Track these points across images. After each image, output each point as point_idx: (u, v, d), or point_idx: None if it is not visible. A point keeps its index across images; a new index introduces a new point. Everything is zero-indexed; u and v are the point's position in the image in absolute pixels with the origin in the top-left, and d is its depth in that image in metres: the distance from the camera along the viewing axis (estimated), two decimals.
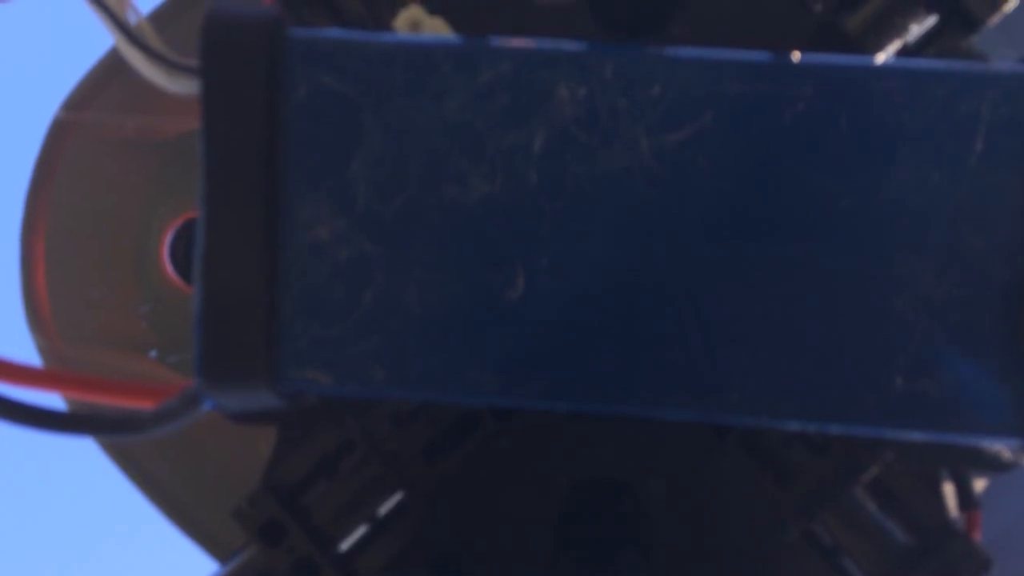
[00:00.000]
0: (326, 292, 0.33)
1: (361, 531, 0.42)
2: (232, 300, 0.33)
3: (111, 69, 0.50)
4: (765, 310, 0.32)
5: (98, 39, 0.48)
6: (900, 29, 0.42)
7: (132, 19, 0.37)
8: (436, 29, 0.40)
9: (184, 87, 0.37)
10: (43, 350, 0.49)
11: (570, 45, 0.34)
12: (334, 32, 0.36)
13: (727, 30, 0.41)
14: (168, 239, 0.53)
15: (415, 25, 0.41)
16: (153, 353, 0.52)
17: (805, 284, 0.32)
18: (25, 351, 0.48)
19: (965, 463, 0.39)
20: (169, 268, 0.53)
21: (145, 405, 0.39)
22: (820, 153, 0.32)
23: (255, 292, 0.33)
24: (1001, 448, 0.34)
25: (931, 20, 0.42)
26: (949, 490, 0.42)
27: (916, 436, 0.33)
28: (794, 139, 0.32)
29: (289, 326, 0.33)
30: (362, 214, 0.34)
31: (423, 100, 0.34)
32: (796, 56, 0.34)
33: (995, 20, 0.41)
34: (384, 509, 0.42)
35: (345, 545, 0.42)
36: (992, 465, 0.38)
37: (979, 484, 0.44)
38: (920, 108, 0.32)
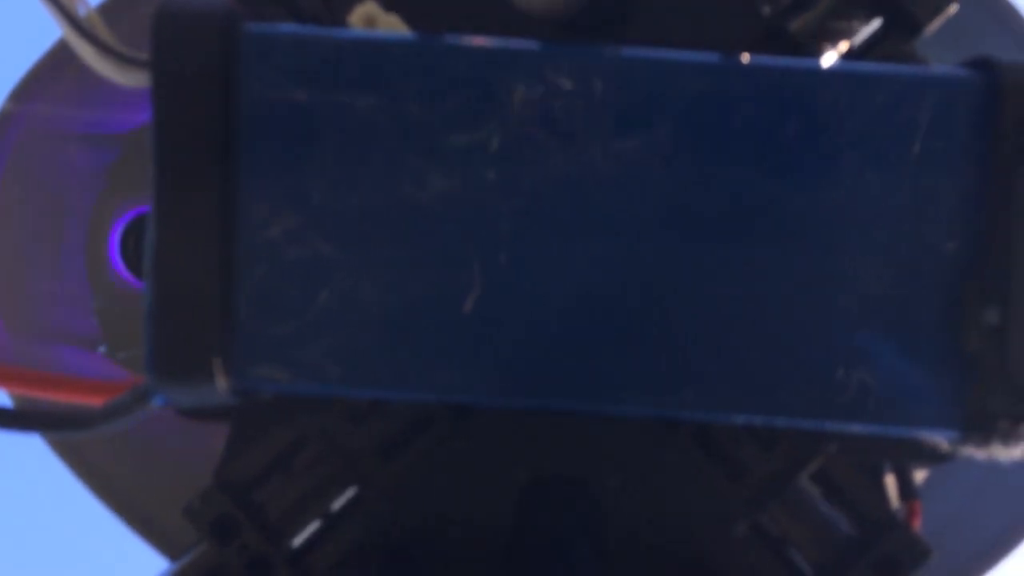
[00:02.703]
0: (281, 290, 0.33)
1: (314, 527, 0.43)
2: (183, 297, 0.33)
3: (60, 60, 0.49)
4: (715, 307, 0.33)
5: (47, 29, 0.47)
6: (845, 32, 0.43)
7: (82, 11, 0.37)
8: (391, 26, 0.40)
9: (135, 81, 0.36)
10: None
11: (526, 44, 0.35)
12: (289, 27, 0.36)
13: (680, 33, 0.42)
14: (118, 234, 0.52)
15: (370, 21, 0.41)
16: (102, 349, 0.51)
17: (751, 282, 0.33)
18: None
19: (905, 455, 0.40)
20: (119, 263, 0.52)
21: (95, 402, 0.39)
22: (766, 154, 0.33)
23: (207, 289, 0.33)
24: (939, 440, 0.35)
25: (875, 24, 0.44)
26: (891, 481, 0.43)
27: (857, 429, 0.34)
28: (741, 140, 0.33)
29: (243, 324, 0.33)
30: (317, 212, 0.34)
31: (378, 98, 0.34)
32: (745, 58, 0.35)
33: (936, 24, 0.43)
34: (337, 505, 0.43)
35: (298, 541, 0.42)
36: (931, 457, 0.39)
37: (919, 475, 0.46)
38: (861, 111, 0.33)
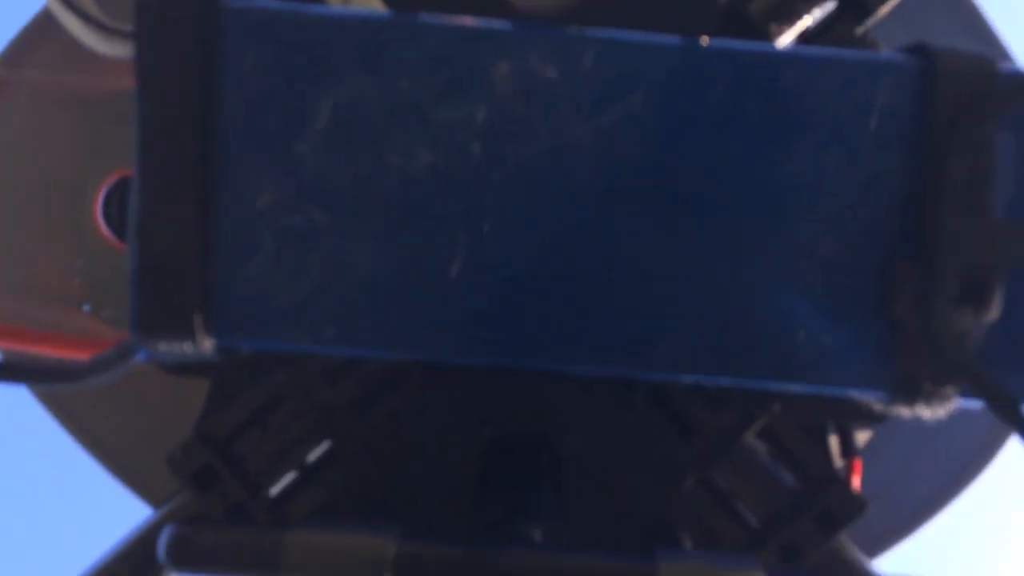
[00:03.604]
0: (261, 252, 0.36)
1: (291, 477, 0.45)
2: (165, 257, 0.35)
3: (44, 27, 0.50)
4: (667, 274, 0.35)
5: None
6: (800, 15, 0.45)
7: None
8: (366, 1, 0.42)
9: (119, 51, 0.38)
10: None
11: (505, 25, 0.37)
12: (268, 2, 0.38)
13: (648, 14, 0.44)
14: (102, 196, 0.54)
15: None
16: (87, 307, 0.53)
17: (701, 250, 0.35)
18: None
19: (845, 416, 0.43)
20: (103, 224, 0.54)
21: (81, 356, 0.41)
22: (726, 131, 0.35)
23: (188, 250, 0.35)
24: (872, 400, 0.38)
25: (830, 6, 0.46)
26: (834, 442, 0.46)
27: (796, 388, 0.36)
28: (705, 118, 0.35)
29: (224, 283, 0.35)
30: (299, 180, 0.36)
31: (359, 72, 0.36)
32: (704, 41, 0.37)
33: (886, 9, 0.45)
34: (313, 457, 0.45)
35: (275, 491, 0.44)
36: (868, 417, 0.42)
37: (863, 437, 0.48)
38: (807, 92, 0.35)
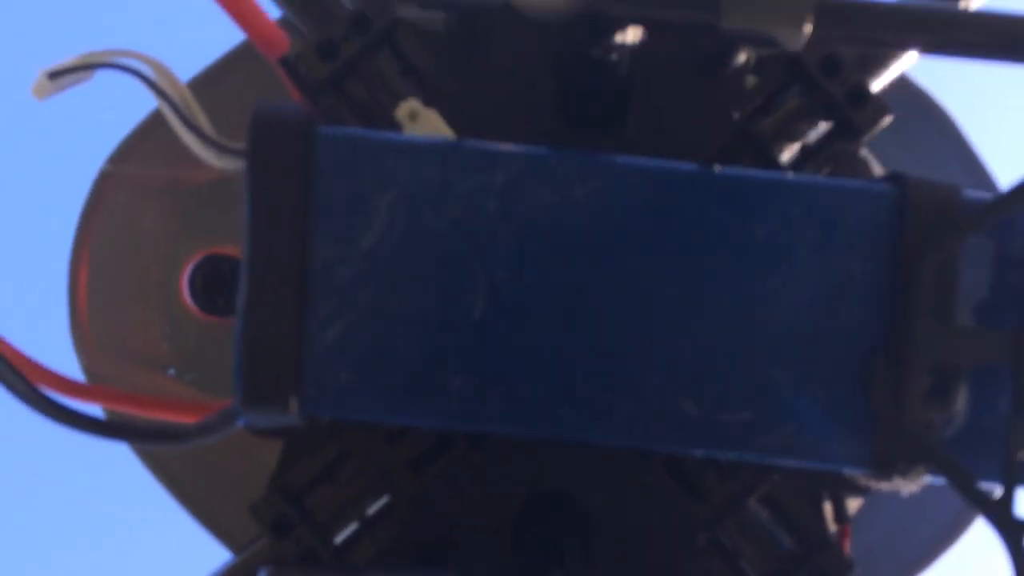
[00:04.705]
0: (348, 341, 0.43)
1: (353, 527, 0.52)
2: (267, 341, 0.42)
3: (148, 129, 0.58)
4: (677, 371, 0.43)
5: (137, 103, 0.56)
6: (803, 133, 0.53)
7: (179, 96, 0.46)
8: (430, 120, 0.50)
9: (230, 165, 0.46)
10: (83, 366, 0.57)
11: (542, 151, 0.44)
12: (353, 130, 0.45)
13: (666, 132, 0.51)
14: (188, 271, 0.61)
15: (413, 114, 0.50)
16: (171, 371, 0.60)
17: (707, 350, 0.42)
18: (67, 366, 0.57)
19: (838, 486, 0.49)
20: (187, 295, 0.61)
21: (181, 419, 0.48)
22: (731, 242, 0.42)
23: (286, 336, 0.42)
24: (858, 475, 0.44)
25: (826, 126, 0.53)
26: (828, 508, 0.52)
27: (792, 464, 0.43)
28: (712, 233, 0.42)
29: (316, 364, 0.42)
30: (378, 275, 0.43)
31: (427, 188, 0.43)
32: (716, 168, 0.44)
33: (876, 131, 0.52)
34: (373, 509, 0.52)
35: (340, 538, 0.51)
36: (857, 488, 0.48)
37: (854, 504, 0.54)
38: (808, 213, 0.42)
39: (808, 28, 0.43)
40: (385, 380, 0.43)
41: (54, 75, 0.44)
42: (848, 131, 0.51)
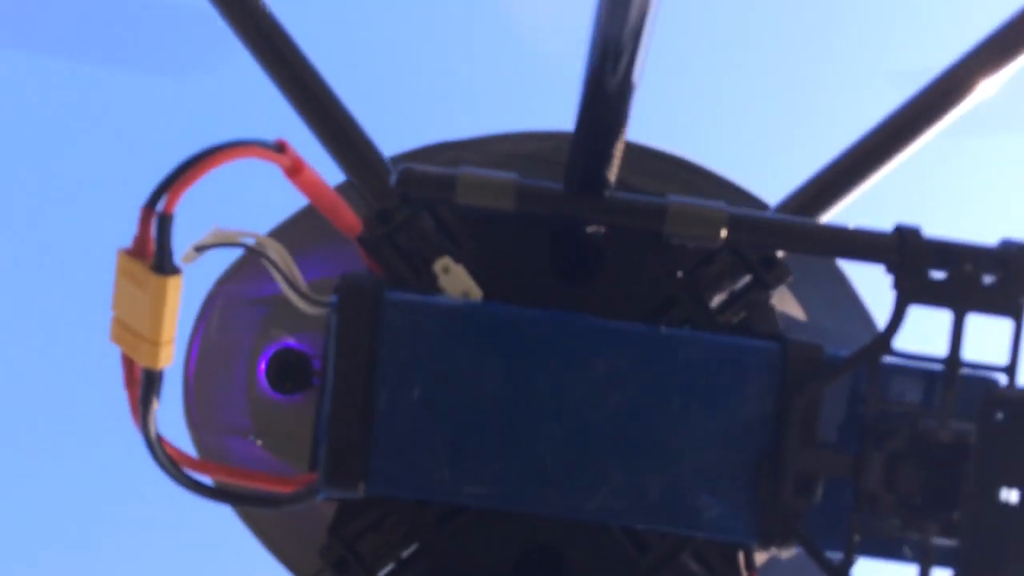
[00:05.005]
0: (400, 437, 0.62)
1: (390, 567, 0.70)
2: (344, 439, 0.61)
3: (244, 262, 0.77)
4: (614, 472, 0.62)
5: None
6: (730, 283, 0.72)
7: (284, 262, 0.65)
8: (458, 274, 0.68)
9: (318, 313, 0.64)
10: (195, 440, 0.76)
11: (533, 314, 0.63)
12: (407, 295, 0.64)
13: (625, 288, 0.70)
14: (264, 360, 0.80)
15: (446, 268, 0.69)
16: (252, 438, 0.79)
17: (634, 456, 0.62)
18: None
19: (746, 547, 0.69)
20: (263, 379, 0.80)
21: (275, 488, 0.67)
22: (660, 388, 0.62)
23: (358, 435, 0.61)
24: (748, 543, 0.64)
25: (747, 278, 0.72)
26: (742, 559, 0.71)
27: (700, 535, 0.62)
28: (646, 382, 0.62)
29: (378, 458, 0.61)
30: (425, 397, 0.62)
31: (454, 342, 0.62)
32: (663, 329, 0.63)
33: (783, 285, 0.71)
34: (405, 554, 0.70)
35: (381, 574, 0.70)
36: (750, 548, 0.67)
37: (761, 557, 0.74)
38: (706, 363, 0.62)
39: (723, 233, 0.62)
40: (424, 475, 0.62)
41: (199, 248, 0.62)
42: (761, 286, 0.70)
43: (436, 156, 0.76)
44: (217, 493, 0.64)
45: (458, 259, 0.68)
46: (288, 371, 0.79)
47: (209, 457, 0.75)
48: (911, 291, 0.60)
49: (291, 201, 0.77)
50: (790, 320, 0.76)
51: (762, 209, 0.75)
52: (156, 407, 0.59)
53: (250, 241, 0.64)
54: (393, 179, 0.65)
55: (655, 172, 0.75)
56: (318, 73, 0.72)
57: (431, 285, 0.67)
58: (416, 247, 0.70)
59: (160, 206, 0.56)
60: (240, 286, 0.78)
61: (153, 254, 0.56)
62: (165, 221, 0.56)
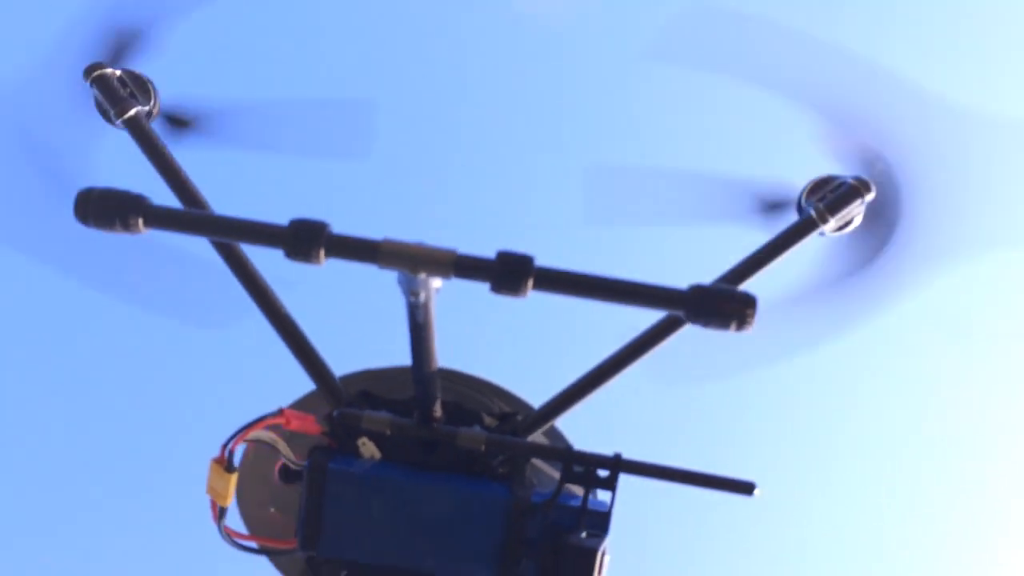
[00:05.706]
0: (338, 539, 1.33)
1: None
2: (309, 536, 1.33)
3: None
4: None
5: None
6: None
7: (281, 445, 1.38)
8: (372, 450, 1.40)
9: (298, 465, 1.37)
10: (243, 514, 1.49)
11: (406, 475, 1.35)
12: (345, 463, 1.35)
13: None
14: (279, 468, 1.53)
15: (364, 443, 1.40)
16: (272, 509, 1.52)
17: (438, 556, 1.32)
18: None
19: None
20: (277, 478, 1.53)
21: (283, 546, 1.40)
22: (452, 524, 1.32)
23: (315, 523, 1.33)
24: None
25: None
26: None
27: None
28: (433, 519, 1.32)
29: (328, 539, 1.33)
30: (357, 520, 1.33)
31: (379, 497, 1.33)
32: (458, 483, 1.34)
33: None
34: None
35: None
36: None
37: None
38: (462, 504, 1.28)
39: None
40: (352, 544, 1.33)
41: (246, 440, 1.35)
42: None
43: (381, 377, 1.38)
44: (255, 550, 1.37)
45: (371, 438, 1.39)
46: (288, 474, 1.52)
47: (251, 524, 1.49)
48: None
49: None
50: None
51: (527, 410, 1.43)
52: (224, 519, 1.33)
53: (267, 436, 1.36)
54: (336, 413, 1.36)
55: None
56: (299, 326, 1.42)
57: (356, 450, 1.37)
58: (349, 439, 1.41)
59: (229, 446, 1.28)
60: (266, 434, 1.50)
61: (226, 464, 1.29)
62: (231, 455, 1.28)
